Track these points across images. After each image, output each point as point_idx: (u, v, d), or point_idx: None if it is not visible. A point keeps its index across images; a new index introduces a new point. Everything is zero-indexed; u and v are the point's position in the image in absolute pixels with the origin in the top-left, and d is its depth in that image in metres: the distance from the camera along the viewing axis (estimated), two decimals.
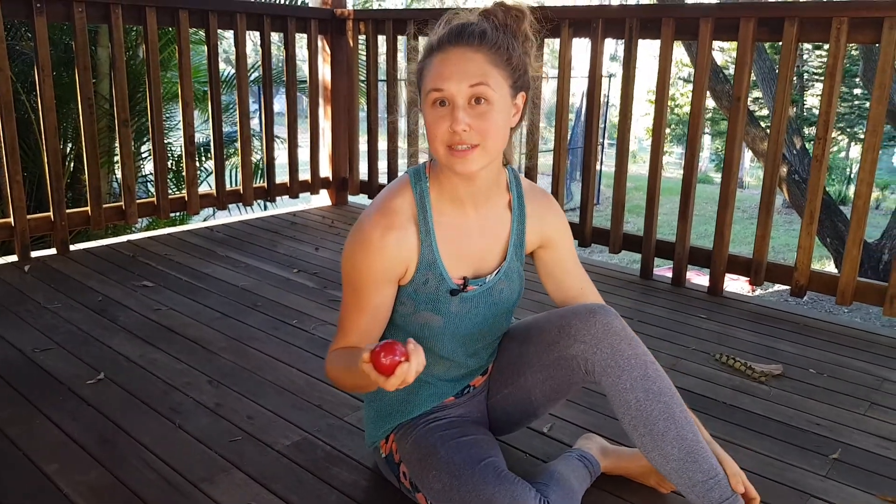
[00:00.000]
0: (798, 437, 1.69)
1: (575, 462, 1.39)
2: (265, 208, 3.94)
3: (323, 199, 4.04)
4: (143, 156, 5.20)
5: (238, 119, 3.48)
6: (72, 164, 5.04)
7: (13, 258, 2.82)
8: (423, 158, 3.42)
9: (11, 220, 2.79)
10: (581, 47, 3.01)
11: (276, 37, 3.61)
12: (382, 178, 3.82)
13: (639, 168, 14.75)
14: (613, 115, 16.75)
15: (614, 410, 1.23)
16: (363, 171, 3.91)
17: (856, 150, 16.85)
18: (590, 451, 1.47)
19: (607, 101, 14.19)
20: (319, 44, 3.76)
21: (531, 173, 3.08)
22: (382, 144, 3.80)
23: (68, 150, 5.01)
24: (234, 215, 4.00)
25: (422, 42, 1.20)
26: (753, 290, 6.68)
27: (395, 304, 1.27)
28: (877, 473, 1.56)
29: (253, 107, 3.95)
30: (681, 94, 17.21)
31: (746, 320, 2.43)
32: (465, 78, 1.11)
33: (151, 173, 3.38)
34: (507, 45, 1.14)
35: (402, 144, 3.68)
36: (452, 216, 1.25)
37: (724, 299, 2.64)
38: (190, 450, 1.56)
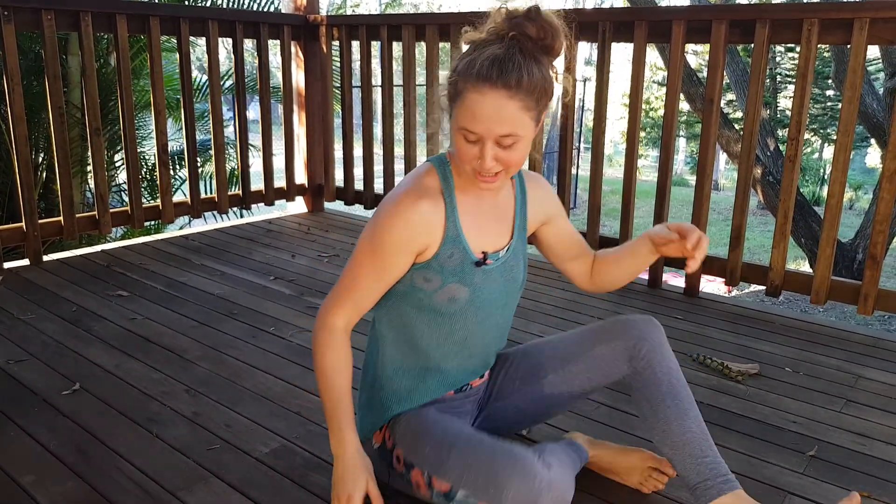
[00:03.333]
0: (775, 435, 1.71)
1: (563, 445, 1.42)
2: (241, 216, 3.92)
3: (299, 206, 4.02)
4: (117, 164, 5.14)
5: (212, 126, 3.45)
6: (44, 174, 4.95)
7: None
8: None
9: None
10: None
11: (249, 44, 3.59)
12: (359, 185, 3.82)
13: (614, 171, 14.87)
14: (588, 119, 16.87)
15: (643, 385, 1.34)
16: (339, 178, 3.90)
17: (829, 152, 17.14)
18: (576, 441, 1.49)
19: (582, 106, 14.30)
20: (293, 49, 3.75)
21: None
22: (358, 151, 3.80)
23: (40, 159, 4.93)
24: (210, 223, 3.96)
25: (462, 45, 1.22)
26: (730, 292, 6.75)
27: (418, 284, 1.30)
28: (854, 470, 1.58)
29: (227, 115, 3.92)
30: (655, 97, 17.42)
31: (723, 320, 2.45)
32: (496, 125, 1.16)
33: (125, 182, 3.35)
34: (538, 85, 1.16)
35: (378, 151, 3.67)
36: (472, 196, 1.31)
37: (701, 300, 2.67)
38: (168, 459, 1.54)
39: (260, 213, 3.91)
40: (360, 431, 1.41)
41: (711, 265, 2.68)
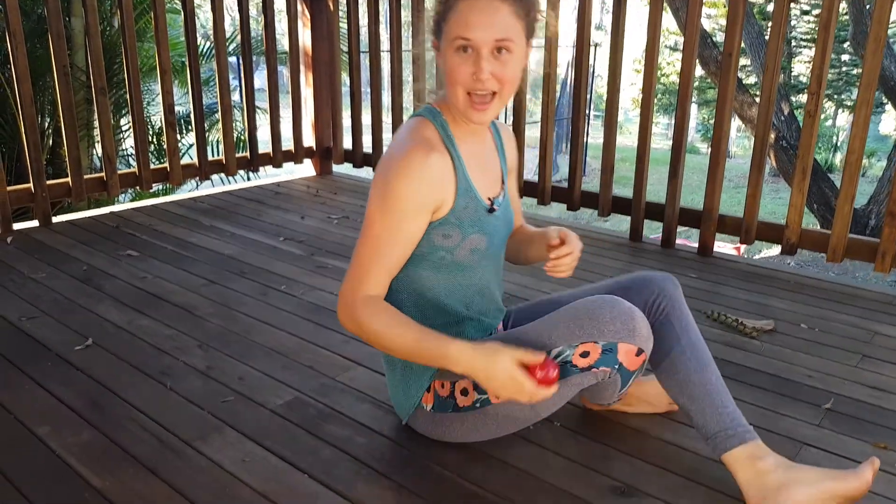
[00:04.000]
0: (791, 389, 1.70)
1: None
2: (248, 179, 3.89)
3: (307, 169, 3.99)
4: (123, 129, 5.11)
5: (218, 87, 3.40)
6: (50, 140, 4.94)
7: None
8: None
9: None
10: (565, 14, 2.96)
11: (254, 11, 3.52)
12: (367, 148, 3.78)
13: (624, 139, 14.71)
14: (599, 86, 16.66)
15: (662, 338, 1.33)
16: (347, 141, 3.86)
17: (843, 118, 16.90)
18: None
19: (592, 72, 14.09)
20: (299, 8, 3.68)
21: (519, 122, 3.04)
22: (367, 119, 3.75)
23: (46, 124, 4.91)
24: (218, 187, 3.94)
25: None
26: (739, 252, 6.71)
27: (437, 242, 1.26)
28: (869, 422, 1.57)
29: (233, 83, 3.87)
30: (667, 62, 17.13)
31: (737, 279, 2.43)
32: (492, 30, 1.15)
33: (131, 147, 3.32)
34: None
35: (387, 119, 3.62)
36: (470, 144, 1.30)
37: (715, 259, 2.64)
38: (182, 410, 1.54)
39: (268, 178, 3.88)
40: (404, 408, 1.40)
41: (726, 224, 2.64)
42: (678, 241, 2.79)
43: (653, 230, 3.28)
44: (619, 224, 7.23)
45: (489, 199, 1.31)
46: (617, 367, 1.23)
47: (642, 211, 2.79)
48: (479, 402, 1.31)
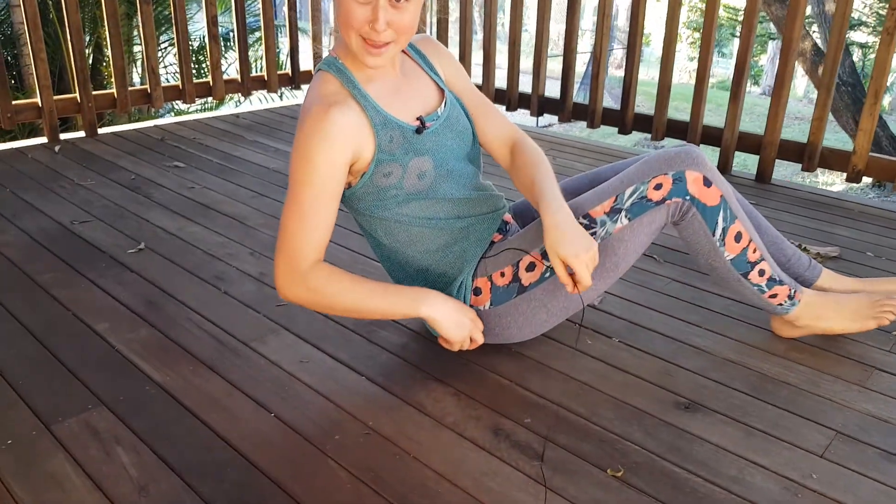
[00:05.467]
0: None
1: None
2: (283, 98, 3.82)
3: None
4: (163, 46, 5.05)
5: (261, 3, 3.31)
6: (90, 58, 4.90)
7: (43, 140, 2.77)
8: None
9: (38, 99, 2.71)
10: None
11: None
12: None
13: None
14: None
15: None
16: None
17: None
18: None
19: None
20: None
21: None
22: None
23: (86, 41, 4.86)
24: (258, 105, 3.89)
25: None
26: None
27: (382, 184, 1.26)
28: None
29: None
30: None
31: (798, 206, 2.33)
32: None
33: (174, 64, 3.26)
34: None
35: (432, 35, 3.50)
36: (378, 79, 1.26)
37: (774, 186, 2.54)
38: (238, 313, 1.54)
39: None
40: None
41: (788, 149, 2.53)
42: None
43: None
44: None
45: (418, 118, 1.28)
46: (689, 198, 1.27)
47: (699, 135, 2.68)
48: (549, 270, 1.29)
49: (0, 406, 1.22)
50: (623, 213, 1.27)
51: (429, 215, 1.31)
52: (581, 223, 1.28)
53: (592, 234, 1.27)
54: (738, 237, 1.32)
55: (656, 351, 1.45)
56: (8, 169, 2.44)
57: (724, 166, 2.65)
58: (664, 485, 1.09)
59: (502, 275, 1.33)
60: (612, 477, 1.10)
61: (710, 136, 2.67)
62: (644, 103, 2.90)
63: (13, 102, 2.66)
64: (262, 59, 3.47)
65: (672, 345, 1.48)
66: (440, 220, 1.32)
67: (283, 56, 4.09)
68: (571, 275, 1.21)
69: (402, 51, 1.33)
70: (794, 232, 2.11)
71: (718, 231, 1.31)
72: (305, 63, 3.60)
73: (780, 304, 1.41)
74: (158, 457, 1.11)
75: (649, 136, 2.81)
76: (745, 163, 6.28)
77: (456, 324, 1.27)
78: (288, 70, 3.58)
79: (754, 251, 1.34)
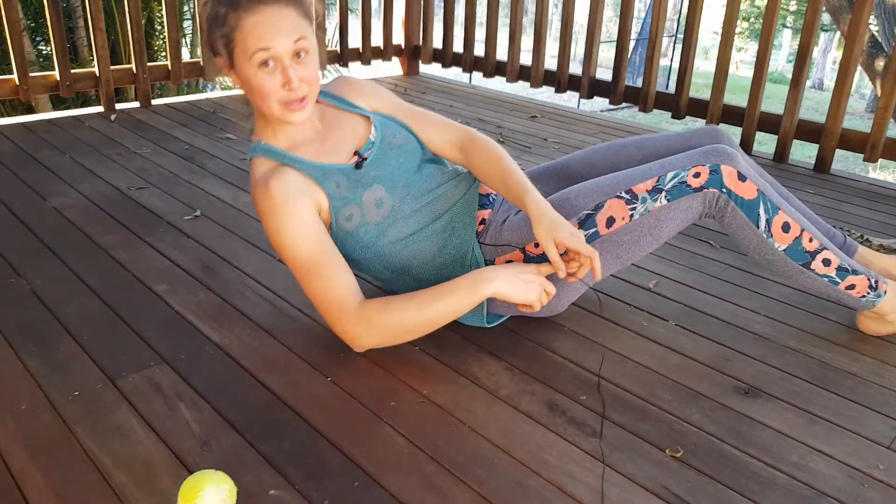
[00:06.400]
0: None
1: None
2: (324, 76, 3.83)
3: (394, 68, 3.90)
4: None
5: None
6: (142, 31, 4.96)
7: (99, 109, 2.82)
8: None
9: (96, 69, 2.76)
10: None
11: None
12: (458, 47, 3.65)
13: (710, 65, 13.94)
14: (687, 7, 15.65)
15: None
16: (437, 39, 3.74)
17: None
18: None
19: None
20: None
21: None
22: (459, 9, 3.61)
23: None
24: None
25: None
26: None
27: (350, 228, 1.29)
28: None
29: None
30: None
31: (859, 197, 2.27)
32: (287, 35, 1.16)
33: None
34: None
35: (482, 16, 3.47)
36: (303, 141, 1.30)
37: (833, 176, 2.47)
38: (293, 281, 1.55)
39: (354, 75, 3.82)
40: (479, 315, 1.37)
41: (848, 139, 2.45)
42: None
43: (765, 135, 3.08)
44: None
45: (354, 153, 1.31)
46: (725, 190, 1.28)
47: (755, 122, 2.62)
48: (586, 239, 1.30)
49: (66, 359, 1.25)
50: (663, 194, 1.29)
51: (408, 232, 1.33)
52: (623, 197, 1.31)
53: (632, 210, 1.30)
54: (785, 227, 1.29)
55: (714, 335, 1.43)
56: (66, 136, 2.49)
57: (782, 155, 2.59)
58: (724, 467, 1.07)
59: (536, 245, 1.35)
60: (670, 457, 1.09)
61: (768, 124, 2.61)
62: (703, 94, 2.84)
63: (71, 71, 2.71)
64: None
65: (730, 330, 1.45)
66: (420, 230, 1.34)
67: (331, 33, 4.10)
68: (564, 257, 1.25)
69: (319, 101, 1.36)
70: (854, 223, 2.05)
71: (762, 223, 1.29)
72: (354, 41, 3.60)
73: (863, 297, 1.36)
74: (219, 414, 1.13)
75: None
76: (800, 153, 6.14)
77: (524, 283, 1.23)
78: (337, 47, 3.58)
79: (810, 241, 1.31)
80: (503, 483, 1.02)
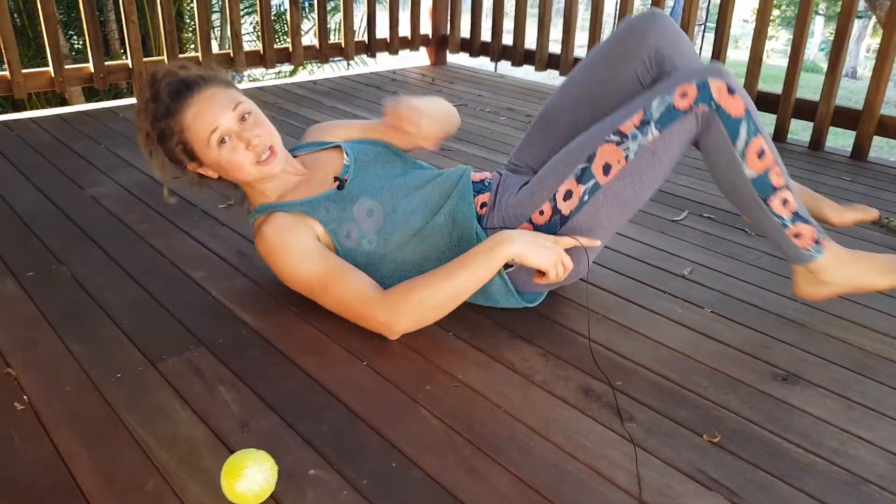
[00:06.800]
0: None
1: None
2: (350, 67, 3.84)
3: (422, 58, 3.90)
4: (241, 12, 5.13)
5: None
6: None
7: (132, 100, 2.86)
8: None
9: (129, 61, 2.80)
10: None
11: None
12: (486, 36, 3.63)
13: (740, 54, 13.73)
14: None
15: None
16: (465, 29, 3.73)
17: None
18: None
19: None
20: None
21: None
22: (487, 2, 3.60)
23: None
24: (329, 73, 3.92)
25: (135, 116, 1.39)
26: None
27: (351, 245, 1.36)
28: None
29: None
30: None
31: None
32: (224, 108, 1.29)
33: (248, 33, 3.31)
34: (214, 73, 1.37)
35: (509, 6, 3.46)
36: (290, 187, 1.41)
37: (869, 164, 2.42)
38: None
39: (382, 66, 3.83)
40: (501, 293, 1.38)
41: (887, 126, 2.40)
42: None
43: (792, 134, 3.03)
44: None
45: (334, 178, 1.40)
46: (713, 104, 1.23)
47: (790, 109, 2.57)
48: (587, 192, 1.30)
49: (108, 342, 1.28)
50: (652, 125, 1.25)
51: (411, 233, 1.37)
52: (612, 140, 1.28)
53: (626, 150, 1.27)
54: (760, 154, 1.25)
55: (750, 322, 1.41)
56: (102, 127, 2.53)
57: (818, 143, 2.54)
58: (763, 453, 1.06)
59: (541, 213, 1.34)
60: (708, 442, 1.08)
61: (804, 111, 2.56)
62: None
63: (105, 63, 2.76)
64: (340, 26, 3.49)
65: (767, 317, 1.43)
66: (422, 228, 1.37)
67: (359, 23, 4.11)
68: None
69: (298, 155, 1.48)
70: (893, 210, 2.01)
71: (740, 142, 1.24)
72: (382, 31, 3.60)
73: (806, 250, 1.31)
74: (258, 396, 1.14)
75: None
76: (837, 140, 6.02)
77: (541, 248, 1.24)
78: (364, 38, 3.59)
79: (778, 175, 1.27)
80: (540, 466, 1.03)
